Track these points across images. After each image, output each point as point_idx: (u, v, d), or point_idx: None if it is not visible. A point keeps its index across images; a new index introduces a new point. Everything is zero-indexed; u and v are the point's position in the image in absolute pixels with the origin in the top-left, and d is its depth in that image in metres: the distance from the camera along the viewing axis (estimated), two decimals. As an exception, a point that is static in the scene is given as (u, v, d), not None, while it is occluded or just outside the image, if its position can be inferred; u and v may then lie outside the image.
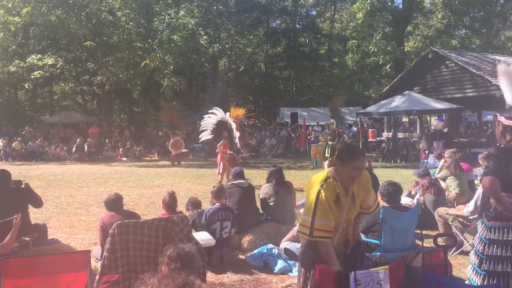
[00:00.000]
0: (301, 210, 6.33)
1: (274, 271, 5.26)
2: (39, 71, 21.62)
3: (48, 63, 21.22)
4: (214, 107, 12.91)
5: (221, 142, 11.84)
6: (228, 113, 12.86)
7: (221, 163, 11.66)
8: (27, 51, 24.47)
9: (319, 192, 3.09)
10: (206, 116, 12.70)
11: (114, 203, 5.14)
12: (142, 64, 21.95)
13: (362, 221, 3.88)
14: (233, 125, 12.55)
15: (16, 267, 3.24)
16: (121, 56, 21.87)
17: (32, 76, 22.65)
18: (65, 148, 21.11)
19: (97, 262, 4.86)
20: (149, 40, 22.20)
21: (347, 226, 3.27)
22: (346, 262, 3.20)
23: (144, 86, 28.60)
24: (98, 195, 10.26)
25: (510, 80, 3.56)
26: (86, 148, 20.60)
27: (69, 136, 23.68)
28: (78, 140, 21.03)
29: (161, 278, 1.32)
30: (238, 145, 13.01)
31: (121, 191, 8.56)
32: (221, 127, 12.28)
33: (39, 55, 21.90)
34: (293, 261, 5.35)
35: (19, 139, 20.95)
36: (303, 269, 3.29)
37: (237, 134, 12.65)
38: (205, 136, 12.90)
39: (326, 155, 16.96)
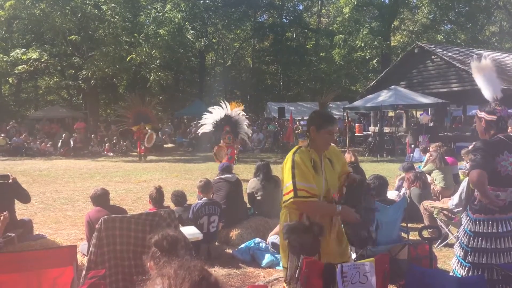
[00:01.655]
0: None
1: (262, 265, 5.28)
2: (23, 66, 21.36)
3: (33, 57, 20.95)
4: (221, 101, 12.70)
5: (222, 139, 11.94)
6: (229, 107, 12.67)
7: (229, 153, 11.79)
8: (11, 45, 24.12)
9: (293, 158, 3.16)
10: (210, 110, 12.51)
11: (101, 198, 5.11)
12: (128, 58, 21.78)
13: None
14: (241, 117, 12.43)
15: (1, 262, 3.21)
16: (106, 50, 21.66)
17: (16, 71, 22.38)
18: (50, 143, 20.89)
19: (84, 257, 4.84)
20: (135, 34, 22.04)
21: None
22: (349, 199, 3.24)
23: (131, 81, 28.43)
24: (84, 190, 10.18)
25: (485, 77, 3.60)
26: (71, 143, 20.39)
27: (54, 131, 23.42)
28: (63, 135, 20.82)
29: (177, 268, 1.31)
30: (244, 136, 13.05)
31: (108, 186, 8.49)
32: (225, 121, 12.14)
33: (23, 49, 21.61)
34: (280, 255, 5.38)
35: (3, 134, 20.67)
36: (293, 256, 3.21)
37: (245, 125, 12.64)
38: (205, 129, 12.76)
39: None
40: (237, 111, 12.35)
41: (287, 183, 3.15)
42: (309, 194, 3.04)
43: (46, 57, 21.83)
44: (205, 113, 12.71)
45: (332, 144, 3.34)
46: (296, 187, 3.05)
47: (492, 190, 3.28)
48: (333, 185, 3.25)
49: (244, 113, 12.63)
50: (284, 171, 3.25)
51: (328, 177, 3.20)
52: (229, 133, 12.02)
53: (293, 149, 3.30)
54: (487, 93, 3.56)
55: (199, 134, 14.30)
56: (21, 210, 7.38)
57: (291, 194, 3.07)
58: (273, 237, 5.58)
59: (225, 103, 12.32)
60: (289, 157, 3.25)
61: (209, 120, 12.38)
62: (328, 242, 3.13)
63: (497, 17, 36.09)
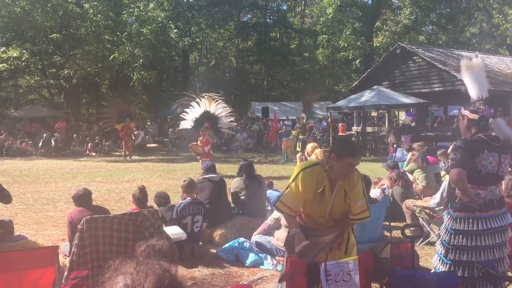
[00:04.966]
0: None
1: (246, 264, 5.28)
2: (3, 64, 20.94)
3: (13, 55, 20.59)
4: (201, 96, 12.70)
5: (202, 135, 12.10)
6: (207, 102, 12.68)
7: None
8: (-10, 44, 23.69)
9: (298, 174, 3.15)
10: (190, 107, 12.59)
11: (83, 198, 5.05)
12: (111, 57, 21.57)
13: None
14: (221, 111, 12.53)
15: (-19, 264, 3.15)
16: (89, 49, 21.40)
17: (-4, 69, 21.95)
18: (30, 142, 20.58)
19: (66, 258, 4.77)
20: (118, 33, 21.82)
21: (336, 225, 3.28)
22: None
23: (113, 80, 28.12)
24: (66, 190, 10.04)
25: (473, 75, 3.65)
26: (53, 143, 20.12)
27: (35, 131, 23.07)
28: (44, 135, 20.52)
29: (136, 265, 1.30)
30: (226, 129, 13.20)
31: (90, 186, 8.41)
32: (204, 118, 12.21)
33: (3, 48, 21.21)
34: (264, 254, 5.39)
35: (-18, 134, 20.32)
36: (287, 254, 3.38)
37: (226, 117, 12.80)
38: (185, 125, 12.80)
39: (297, 149, 17.13)
40: (216, 107, 12.40)
41: (285, 190, 3.28)
42: (287, 209, 3.22)
43: (27, 56, 21.47)
44: (185, 110, 12.71)
45: (356, 171, 3.23)
46: (280, 198, 3.27)
47: (472, 189, 3.33)
48: (337, 211, 3.25)
49: (225, 106, 12.64)
50: (292, 177, 3.28)
51: (336, 204, 3.19)
52: (208, 129, 12.15)
53: (309, 163, 3.32)
54: (473, 91, 3.59)
55: (178, 130, 14.42)
56: (1, 211, 7.28)
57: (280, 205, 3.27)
58: (257, 237, 5.59)
59: (202, 100, 12.36)
60: (297, 168, 3.24)
61: (188, 117, 12.43)
62: (335, 255, 3.20)
63: (477, 19, 36.63)
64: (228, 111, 12.67)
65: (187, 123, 12.61)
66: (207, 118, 12.23)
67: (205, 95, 12.88)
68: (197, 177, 7.37)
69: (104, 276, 1.34)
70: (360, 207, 3.23)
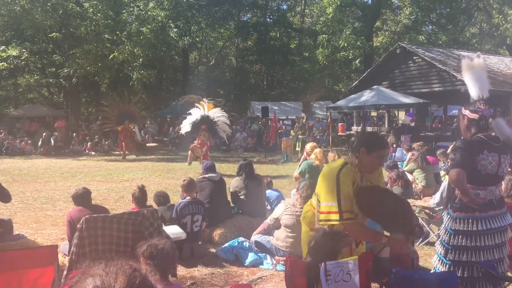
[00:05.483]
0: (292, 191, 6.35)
1: (245, 264, 5.28)
2: (2, 63, 20.92)
3: (12, 54, 20.58)
4: (198, 104, 13.15)
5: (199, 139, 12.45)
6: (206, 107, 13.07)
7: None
8: (-10, 43, 23.68)
9: (338, 176, 3.07)
10: (190, 112, 13.14)
11: (82, 198, 5.04)
12: (111, 56, 21.55)
13: None
14: (220, 118, 12.93)
15: (-20, 263, 3.15)
16: (88, 48, 21.40)
17: (-4, 68, 21.93)
18: (30, 142, 20.57)
19: (65, 257, 4.77)
20: (118, 32, 21.80)
21: None
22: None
23: (113, 79, 28.11)
24: (65, 189, 10.04)
25: (474, 75, 3.64)
26: (52, 142, 20.11)
27: (34, 130, 23.06)
28: (44, 134, 20.51)
29: (105, 266, 1.29)
30: (223, 134, 13.47)
31: (90, 185, 8.39)
32: (202, 121, 12.63)
33: (2, 47, 21.21)
34: (264, 254, 5.38)
35: (-18, 133, 20.31)
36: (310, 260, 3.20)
37: (224, 124, 13.16)
38: (184, 128, 13.17)
39: (297, 149, 17.13)
40: (215, 112, 12.76)
41: (328, 202, 3.07)
42: (351, 214, 3.04)
43: (26, 55, 21.47)
44: (188, 112, 13.08)
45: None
46: (341, 209, 3.01)
47: (472, 189, 3.33)
48: None
49: (224, 113, 13.04)
50: (323, 184, 3.17)
51: None
52: (205, 131, 12.59)
53: (337, 164, 3.20)
54: (473, 91, 3.59)
55: (177, 130, 14.76)
56: (0, 210, 7.27)
57: (335, 216, 3.02)
58: (256, 236, 5.58)
59: (203, 105, 12.78)
60: (331, 173, 3.14)
61: (188, 120, 12.77)
62: (360, 250, 3.25)
63: (477, 19, 36.60)
64: (226, 118, 13.07)
65: (186, 127, 12.97)
66: (204, 122, 12.57)
67: (206, 100, 13.29)
68: (196, 177, 7.37)
69: (72, 280, 1.33)
70: None
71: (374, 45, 35.06)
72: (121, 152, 17.74)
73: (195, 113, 12.83)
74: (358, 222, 3.08)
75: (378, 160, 3.13)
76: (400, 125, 19.83)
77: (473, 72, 3.62)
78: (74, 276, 1.34)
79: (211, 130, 12.78)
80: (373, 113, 25.76)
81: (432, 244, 5.66)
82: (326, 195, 3.09)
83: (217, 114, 13.03)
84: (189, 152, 12.79)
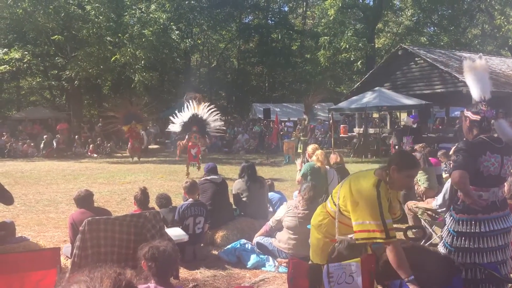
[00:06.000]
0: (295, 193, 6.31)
1: (247, 266, 5.27)
2: (5, 66, 20.95)
3: (15, 57, 20.61)
4: (187, 103, 12.84)
5: (187, 138, 12.30)
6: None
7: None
8: (-8, 45, 23.73)
9: (379, 193, 3.02)
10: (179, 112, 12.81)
11: (85, 200, 5.05)
12: (113, 59, 21.57)
13: None
14: (210, 114, 12.64)
15: (-18, 265, 3.15)
16: (90, 50, 21.44)
17: (-2, 71, 21.98)
18: (32, 144, 20.60)
19: (67, 260, 4.77)
20: (120, 35, 21.83)
21: None
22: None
23: (115, 82, 28.15)
24: (68, 192, 10.06)
25: (476, 76, 3.63)
26: (54, 144, 20.13)
27: (36, 132, 23.08)
28: (46, 136, 20.54)
29: (89, 272, 1.30)
30: (214, 131, 13.28)
31: (92, 187, 8.41)
32: (193, 122, 12.34)
33: (5, 49, 21.24)
34: (266, 256, 5.38)
35: (-16, 135, 20.34)
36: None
37: (215, 121, 12.84)
38: (173, 128, 12.98)
39: (299, 150, 17.11)
40: (204, 108, 12.46)
41: (373, 221, 2.96)
42: (395, 234, 2.99)
43: (28, 57, 21.50)
44: (176, 113, 12.84)
45: None
46: (387, 226, 2.94)
47: (475, 190, 3.32)
48: None
49: (212, 108, 12.67)
50: (358, 200, 3.08)
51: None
52: (196, 133, 12.29)
53: (372, 181, 3.11)
54: (475, 92, 3.58)
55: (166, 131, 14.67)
56: (3, 212, 7.28)
57: (381, 235, 2.92)
58: (258, 238, 5.58)
59: (190, 104, 12.48)
60: (369, 189, 3.06)
61: (177, 120, 12.56)
62: None
63: (479, 20, 36.61)
64: (217, 115, 12.74)
65: (175, 126, 12.72)
66: (195, 122, 12.31)
67: (191, 95, 13.10)
68: (198, 179, 7.37)
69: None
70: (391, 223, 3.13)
71: (376, 46, 35.04)
72: (130, 155, 17.71)
73: (186, 112, 12.57)
74: (398, 242, 3.00)
75: (408, 179, 3.15)
76: (402, 126, 19.81)
77: (475, 73, 3.61)
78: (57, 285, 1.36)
79: (201, 132, 12.47)
80: (375, 115, 25.73)
81: (435, 246, 5.64)
82: (364, 212, 3.00)
83: (206, 112, 12.58)
84: (177, 147, 13.01)
